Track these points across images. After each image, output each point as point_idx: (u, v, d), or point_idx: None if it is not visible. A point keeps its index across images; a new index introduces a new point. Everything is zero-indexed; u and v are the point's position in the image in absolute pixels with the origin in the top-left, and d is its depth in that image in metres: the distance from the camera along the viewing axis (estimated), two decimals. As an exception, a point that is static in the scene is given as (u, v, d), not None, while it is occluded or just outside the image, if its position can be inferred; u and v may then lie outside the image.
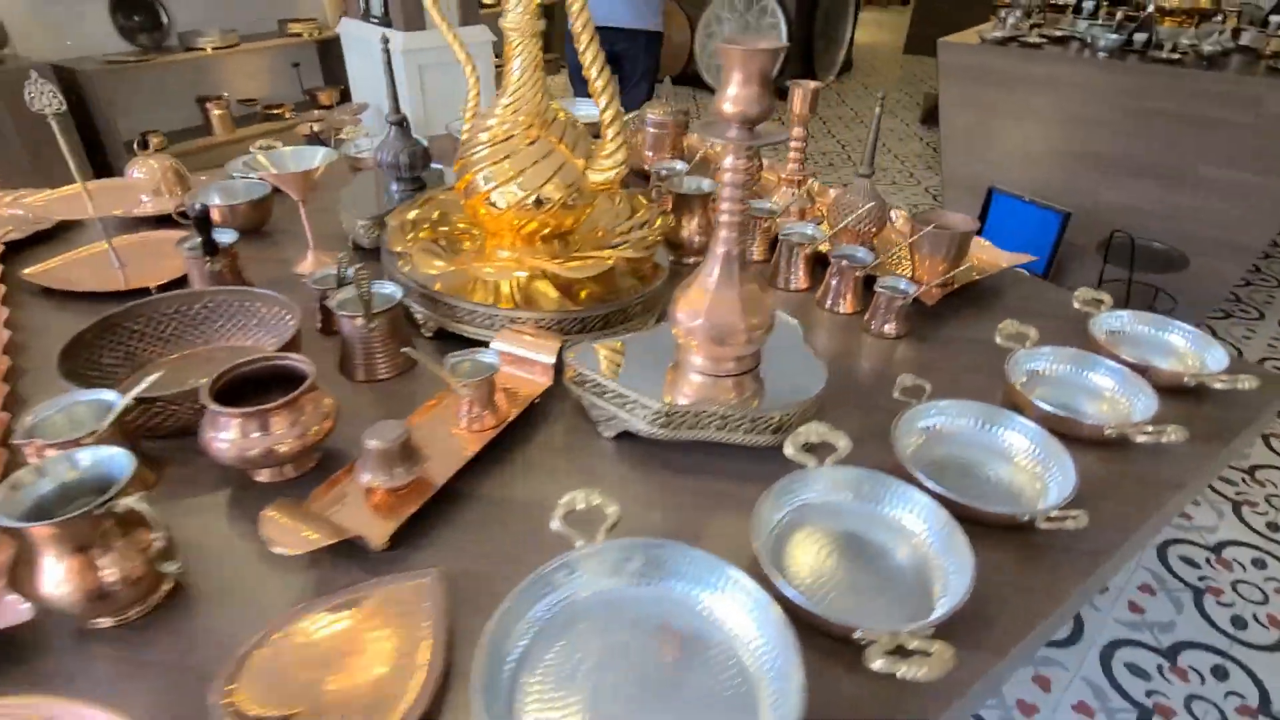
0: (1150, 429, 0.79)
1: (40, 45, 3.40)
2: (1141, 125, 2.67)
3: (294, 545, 0.61)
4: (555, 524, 0.62)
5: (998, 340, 0.94)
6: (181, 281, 1.04)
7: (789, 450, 0.72)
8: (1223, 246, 2.59)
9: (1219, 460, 0.82)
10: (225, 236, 1.02)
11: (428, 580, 0.60)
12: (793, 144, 1.30)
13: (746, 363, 0.80)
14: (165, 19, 3.80)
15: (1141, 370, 0.91)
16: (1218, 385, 0.87)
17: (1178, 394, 0.91)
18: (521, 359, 0.87)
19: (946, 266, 1.11)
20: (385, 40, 1.19)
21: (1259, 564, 1.81)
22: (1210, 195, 2.58)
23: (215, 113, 4.03)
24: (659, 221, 1.05)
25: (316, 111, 3.73)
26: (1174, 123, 2.59)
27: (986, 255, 1.22)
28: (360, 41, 3.18)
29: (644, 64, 2.93)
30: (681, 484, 0.77)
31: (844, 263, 1.06)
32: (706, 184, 1.21)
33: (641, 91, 3.01)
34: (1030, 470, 0.79)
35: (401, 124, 1.21)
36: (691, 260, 1.22)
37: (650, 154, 1.58)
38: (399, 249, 0.96)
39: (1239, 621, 1.66)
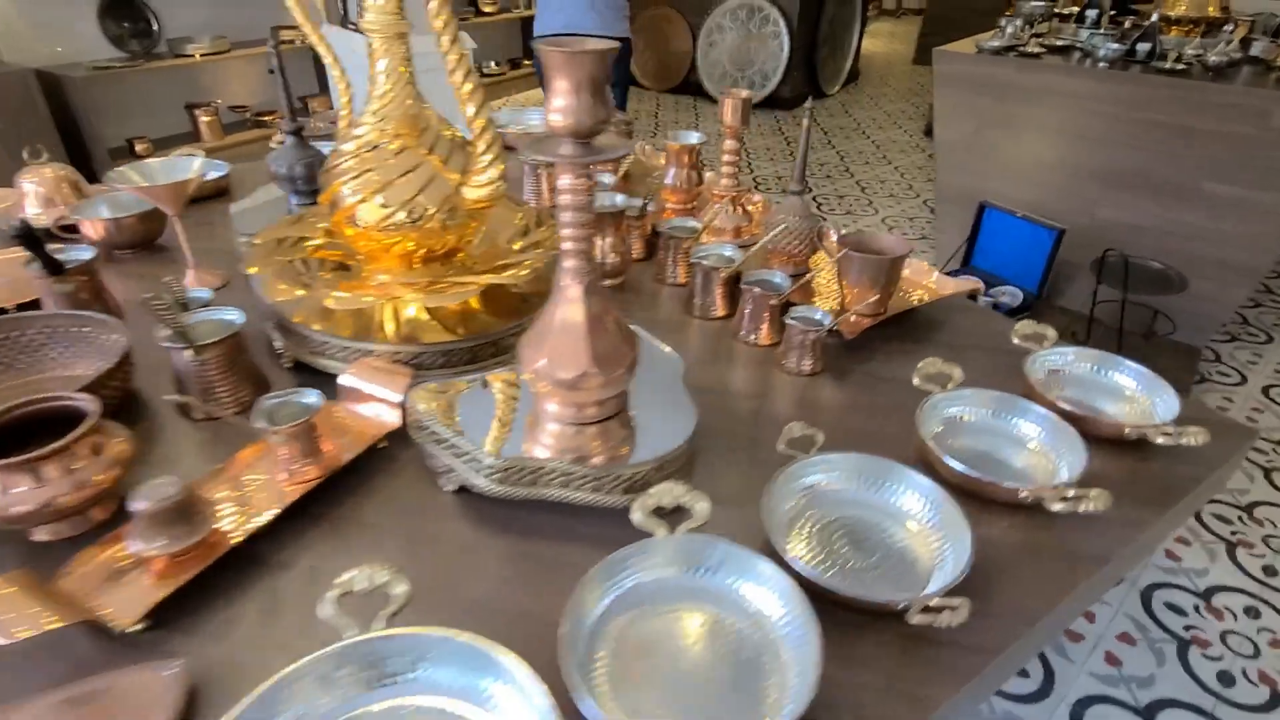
0: (1070, 494, 0.68)
1: (29, 51, 3.38)
2: (1143, 139, 2.54)
3: (19, 627, 0.52)
4: (325, 609, 0.52)
5: (915, 382, 0.84)
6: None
7: (635, 516, 0.62)
8: (1226, 267, 2.45)
9: (1155, 529, 0.71)
10: (80, 254, 0.94)
11: (165, 675, 0.51)
12: (725, 157, 1.20)
13: (609, 407, 0.71)
14: (155, 26, 3.79)
15: (1076, 419, 0.81)
16: (1160, 440, 0.76)
17: (1119, 446, 0.80)
18: (369, 396, 0.78)
19: (875, 294, 1.01)
20: (275, 44, 1.11)
21: (1252, 613, 1.67)
22: (1214, 213, 2.44)
23: (204, 119, 4.01)
24: (549, 242, 0.95)
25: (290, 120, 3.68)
26: (1177, 136, 2.46)
27: (932, 281, 1.11)
28: (340, 49, 3.12)
29: (613, 73, 2.84)
30: (524, 550, 0.67)
31: (756, 290, 0.96)
32: (620, 199, 1.11)
33: (613, 101, 2.93)
34: (927, 541, 0.68)
35: (298, 133, 1.13)
36: (606, 284, 1.13)
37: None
38: (253, 270, 0.88)
39: (1226, 678, 1.52)
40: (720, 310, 1.05)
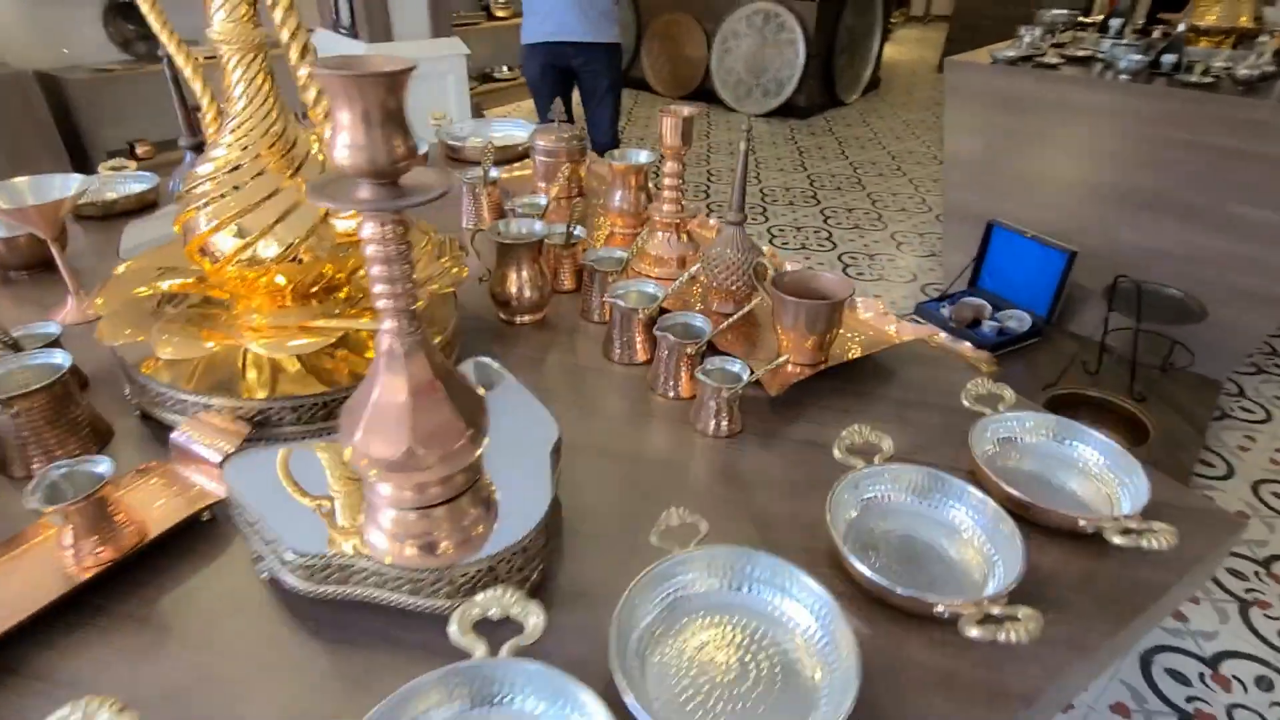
0: (995, 611, 0.56)
1: (33, 54, 3.37)
2: (1165, 157, 2.37)
3: None
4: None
5: (836, 455, 0.72)
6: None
7: (452, 630, 0.52)
8: (1252, 294, 2.27)
9: (1097, 656, 0.59)
10: (-63, 281, 0.86)
11: None
12: (666, 180, 1.09)
13: (453, 485, 0.60)
14: (159, 28, 3.79)
15: (1020, 506, 0.68)
16: (1116, 540, 0.64)
17: (1074, 540, 0.68)
18: (197, 458, 0.68)
19: (811, 342, 0.89)
20: (167, 58, 1.02)
21: (1264, 684, 1.51)
22: (1240, 237, 2.27)
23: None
24: (437, 280, 0.85)
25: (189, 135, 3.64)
26: (1201, 154, 2.30)
27: (890, 327, 0.99)
28: (331, 54, 3.07)
29: (606, 79, 2.74)
30: (333, 661, 0.56)
31: (670, 337, 0.85)
32: (538, 226, 1.01)
33: (607, 109, 2.83)
34: (812, 666, 0.56)
35: (198, 148, 1.04)
36: (522, 320, 1.02)
37: (542, 184, 1.38)
38: (99, 304, 0.78)
39: (1231, 762, 1.38)
40: (641, 355, 0.94)
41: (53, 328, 0.82)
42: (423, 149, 1.68)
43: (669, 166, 1.08)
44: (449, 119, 1.81)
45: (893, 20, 8.16)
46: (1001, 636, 0.53)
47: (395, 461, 0.55)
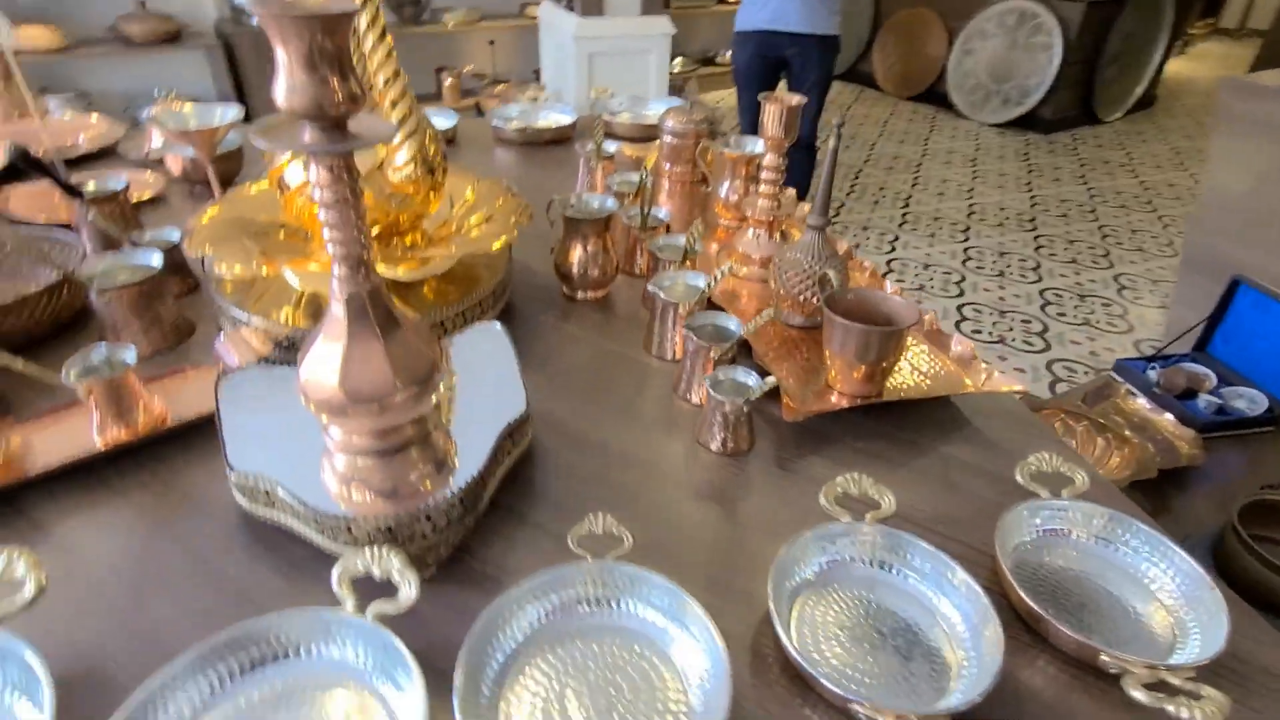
0: (1175, 682, 0.47)
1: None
2: None
3: None
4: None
5: (822, 502, 0.63)
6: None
7: (333, 576, 0.52)
8: None
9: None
10: (113, 184, 1.03)
11: None
12: (765, 174, 1.01)
13: (382, 441, 0.60)
14: (426, -5, 4.23)
15: (1034, 618, 0.55)
16: (1135, 694, 0.49)
17: (1100, 679, 0.54)
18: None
19: (860, 371, 0.78)
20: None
21: None
22: None
23: (447, 81, 4.41)
24: (475, 227, 0.86)
25: (498, 87, 3.91)
26: None
27: (979, 372, 0.85)
28: (551, 27, 3.24)
29: (814, 73, 2.61)
30: (247, 578, 0.59)
31: (694, 337, 0.79)
32: (610, 204, 0.98)
33: (811, 104, 2.70)
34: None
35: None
36: (583, 296, 1.01)
37: (667, 166, 1.35)
38: (205, 220, 0.88)
39: None
40: (677, 352, 0.88)
41: (175, 235, 0.94)
42: (570, 119, 1.71)
43: (769, 159, 1.00)
44: (609, 93, 1.83)
45: (1192, 31, 6.98)
46: (1172, 709, 0.46)
47: (322, 402, 0.56)
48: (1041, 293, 2.89)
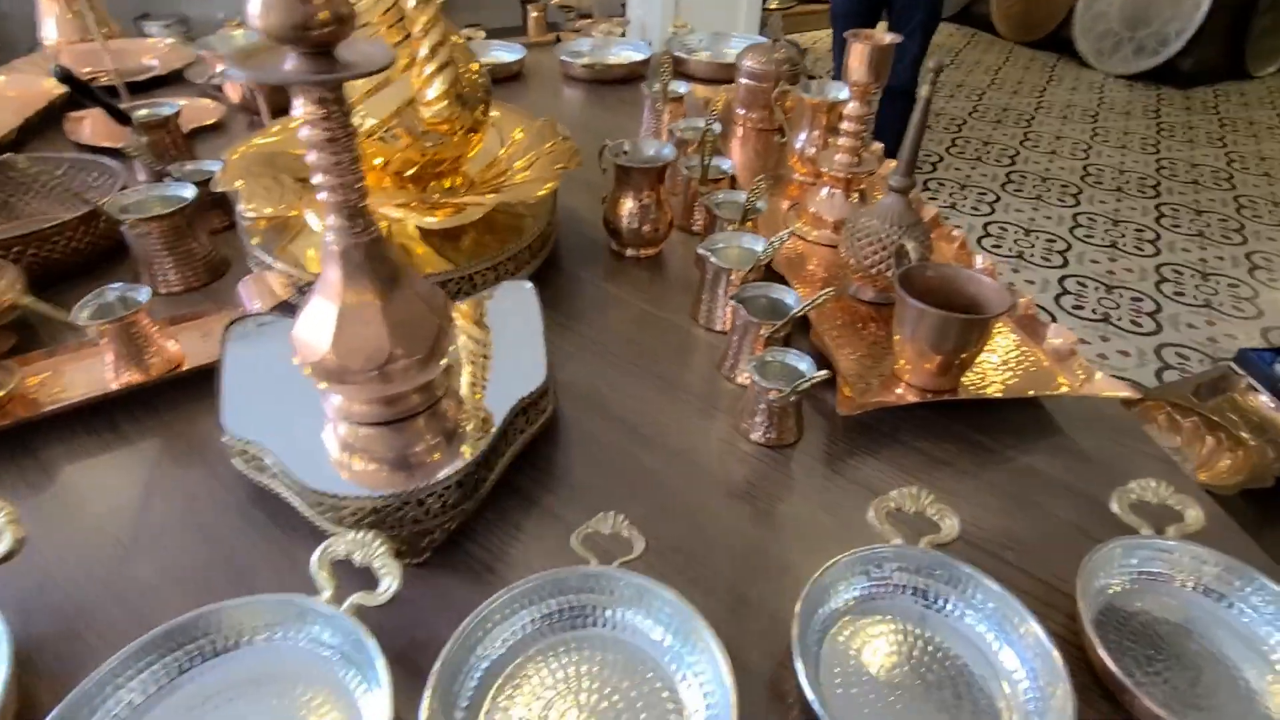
0: None
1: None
2: None
3: None
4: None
5: (870, 517, 0.54)
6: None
7: (312, 560, 0.48)
8: None
9: None
10: (164, 110, 1.00)
11: None
12: (845, 124, 0.89)
13: (376, 411, 0.55)
14: (519, -77, 4.08)
15: (1117, 688, 0.46)
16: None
17: (1186, 761, 0.44)
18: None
19: (935, 362, 0.68)
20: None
21: None
22: None
23: (533, 15, 4.29)
24: (520, 172, 0.79)
25: (583, 21, 3.76)
26: None
27: (1077, 371, 0.73)
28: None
29: (919, 13, 2.39)
30: (231, 543, 0.56)
31: (743, 311, 0.69)
32: (666, 151, 0.89)
33: (914, 45, 2.48)
34: None
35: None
36: (632, 253, 0.92)
37: (741, 112, 1.24)
38: (226, 181, 0.83)
39: None
40: (725, 324, 0.80)
41: (215, 166, 0.91)
42: (643, 56, 1.60)
43: (852, 107, 0.88)
44: (688, 28, 1.70)
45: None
46: None
47: (315, 366, 0.51)
48: (1158, 268, 2.61)
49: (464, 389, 0.63)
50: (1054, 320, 2.21)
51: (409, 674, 0.45)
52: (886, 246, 0.77)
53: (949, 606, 0.52)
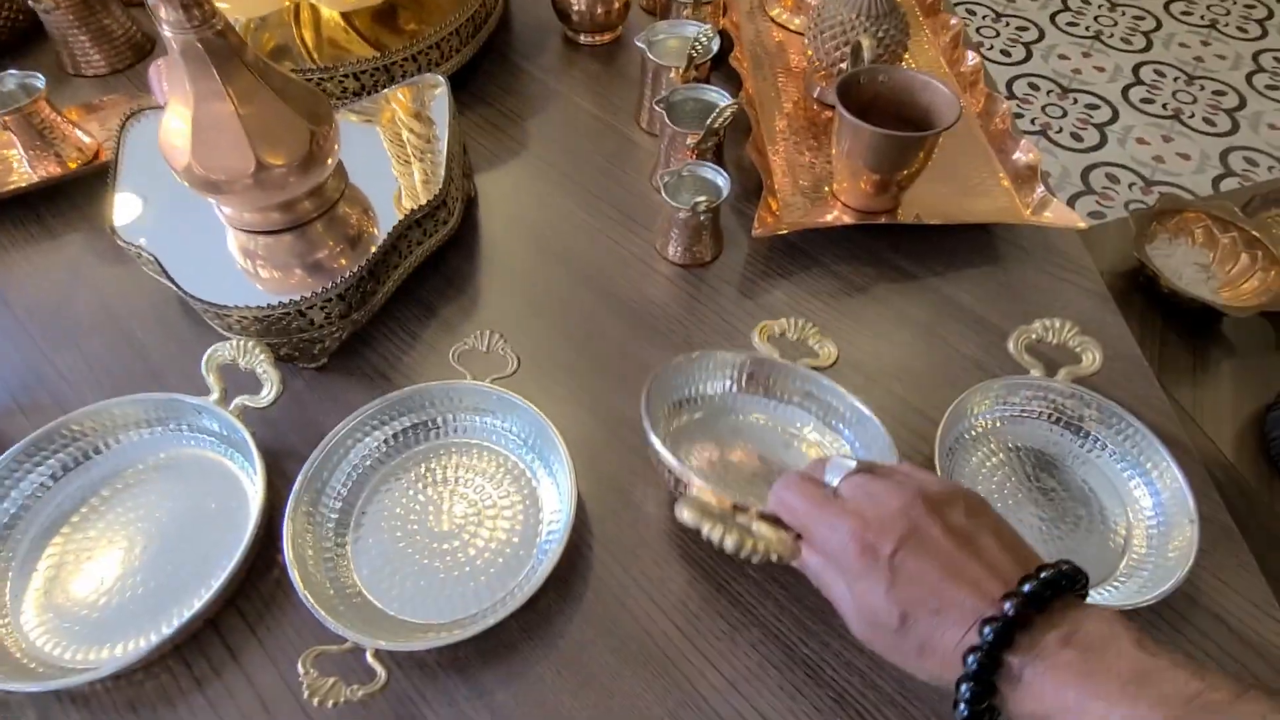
0: None
1: None
2: None
3: None
4: None
5: (755, 340, 0.53)
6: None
7: (202, 364, 0.51)
8: None
9: None
10: None
11: None
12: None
13: (290, 214, 0.55)
14: None
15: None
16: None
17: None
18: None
19: (868, 182, 0.63)
20: None
21: None
22: None
23: None
24: None
25: None
26: None
27: (1030, 191, 0.67)
28: None
29: None
30: (130, 322, 0.60)
31: (666, 118, 0.64)
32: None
33: None
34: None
35: None
36: (587, 40, 0.84)
37: None
38: None
39: None
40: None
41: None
42: None
43: None
44: None
45: None
46: None
47: (184, 175, 0.50)
48: (1256, 56, 2.28)
49: (369, 194, 0.62)
50: (1031, 140, 2.01)
51: (297, 465, 0.49)
52: (851, 41, 0.69)
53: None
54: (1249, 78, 2.22)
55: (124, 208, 0.58)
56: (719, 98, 0.66)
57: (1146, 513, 0.49)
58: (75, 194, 0.68)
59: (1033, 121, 2.10)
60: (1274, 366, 1.33)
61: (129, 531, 0.49)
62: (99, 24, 0.76)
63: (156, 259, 0.54)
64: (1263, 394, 1.26)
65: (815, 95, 0.77)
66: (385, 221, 0.60)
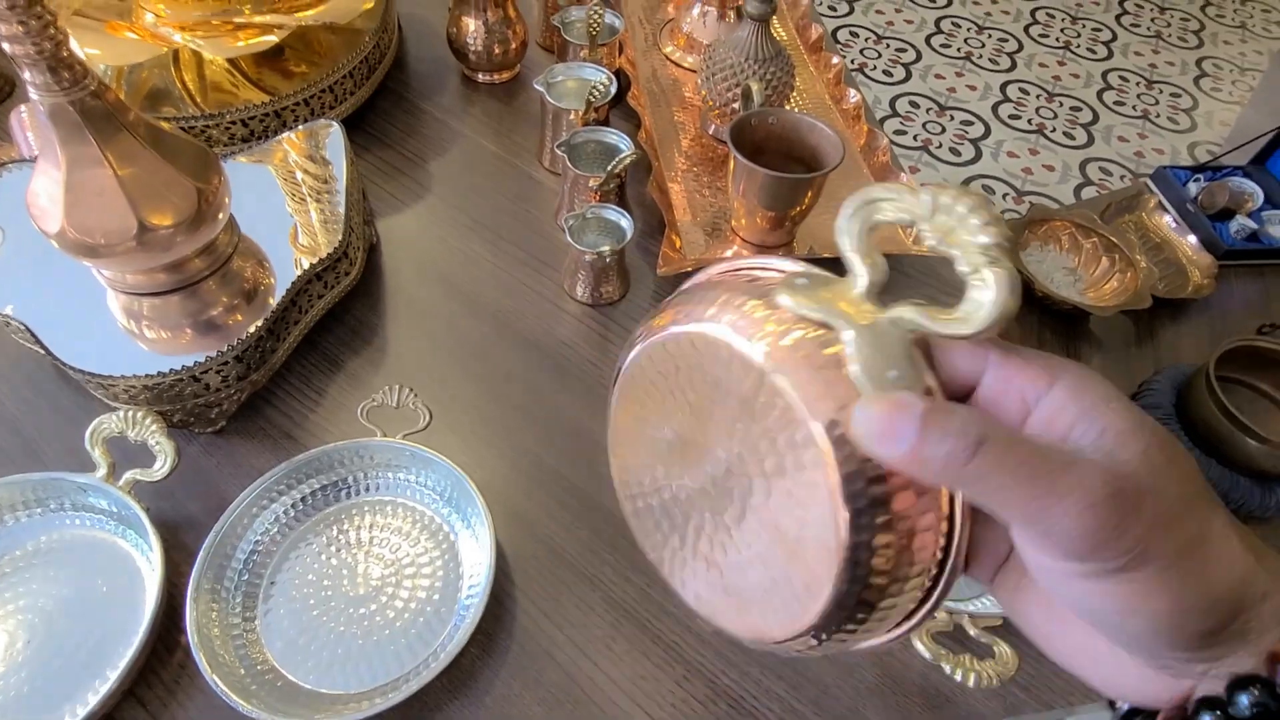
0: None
1: None
2: None
3: None
4: None
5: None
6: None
7: (86, 436, 0.48)
8: None
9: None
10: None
11: None
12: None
13: (177, 275, 0.52)
14: None
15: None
16: (971, 632, 0.46)
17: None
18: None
19: (764, 219, 0.66)
20: None
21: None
22: None
23: None
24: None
25: None
26: None
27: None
28: None
29: None
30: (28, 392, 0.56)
31: (567, 161, 0.65)
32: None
33: None
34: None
35: None
36: (484, 79, 0.84)
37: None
38: None
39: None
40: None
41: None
42: None
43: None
44: None
45: None
46: (948, 668, 0.44)
47: (58, 239, 0.47)
48: (1105, 74, 2.51)
49: (266, 246, 0.60)
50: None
51: (199, 538, 0.47)
52: (741, 83, 0.72)
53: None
54: (1099, 94, 2.44)
55: (-11, 272, 0.55)
56: (619, 140, 0.67)
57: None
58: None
59: (915, 138, 2.24)
60: (1136, 359, 1.47)
61: (8, 625, 0.46)
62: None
63: (28, 328, 0.50)
64: (1127, 384, 1.39)
65: (710, 132, 0.80)
66: (282, 272, 0.58)
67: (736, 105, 0.73)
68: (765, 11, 0.69)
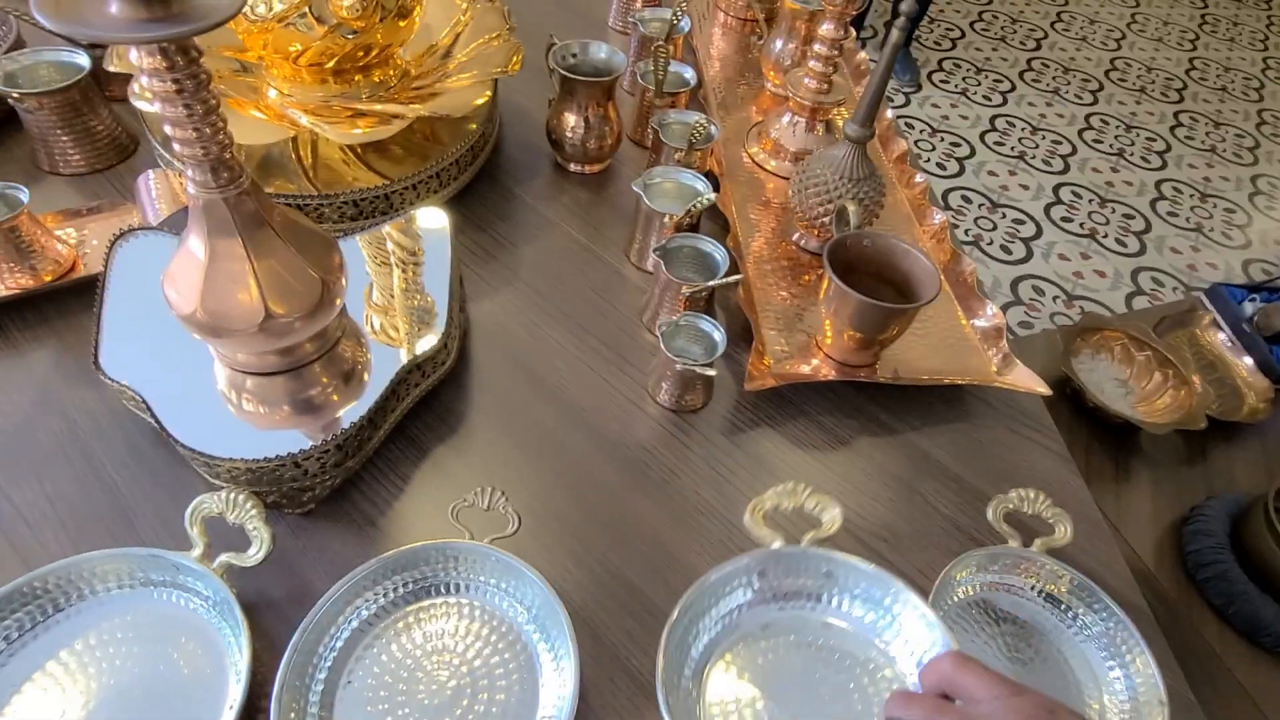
0: None
1: None
2: None
3: None
4: None
5: (746, 519, 0.54)
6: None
7: (186, 516, 0.49)
8: None
9: None
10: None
11: None
12: (818, 46, 0.81)
13: (286, 358, 0.54)
14: None
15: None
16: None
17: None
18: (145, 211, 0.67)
19: (852, 339, 0.66)
20: None
21: None
22: None
23: None
24: (456, 76, 0.72)
25: None
26: None
27: (992, 361, 0.71)
28: None
29: None
30: (119, 471, 0.57)
31: (663, 268, 0.66)
32: (618, 60, 0.81)
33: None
34: None
35: None
36: (576, 169, 0.87)
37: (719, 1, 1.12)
38: (121, 61, 0.74)
39: None
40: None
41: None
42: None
43: (826, 29, 0.80)
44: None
45: None
46: None
47: (188, 321, 0.49)
48: (1159, 184, 2.52)
49: (367, 327, 0.61)
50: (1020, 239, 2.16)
51: (280, 624, 0.48)
52: (833, 200, 0.73)
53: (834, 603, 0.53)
54: (1152, 204, 2.45)
55: (108, 336, 0.56)
56: (714, 249, 0.69)
57: (1120, 693, 0.52)
58: (46, 307, 0.65)
59: (966, 233, 2.25)
60: (1187, 480, 1.43)
61: (90, 700, 0.46)
62: (84, 124, 0.74)
63: (145, 401, 0.52)
64: (1177, 506, 1.35)
65: (794, 239, 0.81)
66: (378, 353, 0.59)
67: (827, 220, 0.74)
68: (864, 135, 0.71)
